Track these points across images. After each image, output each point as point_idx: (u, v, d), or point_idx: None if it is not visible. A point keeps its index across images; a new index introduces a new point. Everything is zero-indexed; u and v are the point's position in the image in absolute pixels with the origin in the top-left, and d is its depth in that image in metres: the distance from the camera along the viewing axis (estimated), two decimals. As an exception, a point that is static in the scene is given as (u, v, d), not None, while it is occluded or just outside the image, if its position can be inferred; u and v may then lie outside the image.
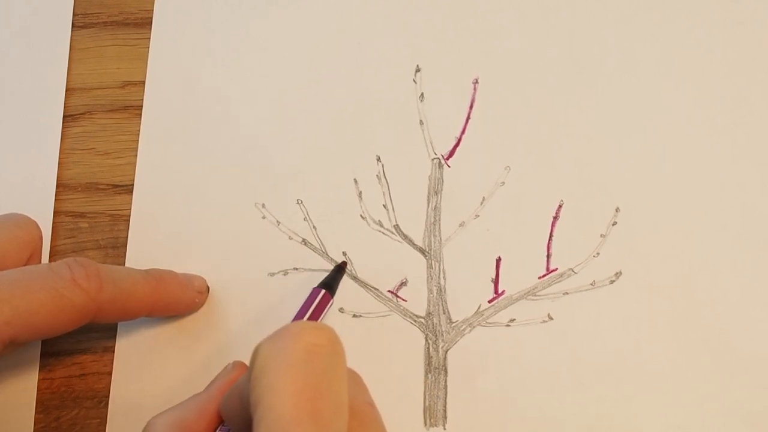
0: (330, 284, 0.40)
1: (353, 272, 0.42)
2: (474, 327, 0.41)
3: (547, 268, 0.42)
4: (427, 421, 0.40)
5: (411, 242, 0.43)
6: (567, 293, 0.42)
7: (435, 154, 0.44)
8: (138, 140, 0.44)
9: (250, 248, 0.42)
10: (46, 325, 0.35)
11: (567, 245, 0.42)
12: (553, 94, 0.45)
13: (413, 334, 0.41)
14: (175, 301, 0.39)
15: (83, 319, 0.36)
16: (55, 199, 0.43)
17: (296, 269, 0.42)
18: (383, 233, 0.43)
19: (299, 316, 0.39)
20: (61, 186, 0.44)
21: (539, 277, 0.42)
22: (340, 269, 0.41)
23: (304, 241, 0.43)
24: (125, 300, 0.37)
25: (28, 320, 0.34)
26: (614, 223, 0.42)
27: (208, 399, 0.34)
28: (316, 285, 0.40)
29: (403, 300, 0.42)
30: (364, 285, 0.42)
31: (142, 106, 0.45)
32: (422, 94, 0.45)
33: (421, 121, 0.44)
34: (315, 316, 0.39)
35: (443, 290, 0.42)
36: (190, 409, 0.34)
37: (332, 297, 0.40)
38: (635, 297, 0.41)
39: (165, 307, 0.39)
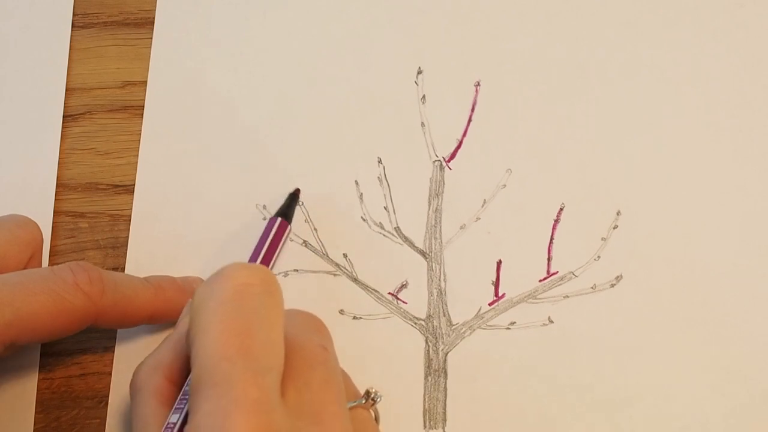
0: (285, 212, 0.41)
1: (354, 274, 0.42)
2: (474, 330, 0.41)
3: (548, 271, 0.42)
4: (427, 423, 0.40)
5: (412, 244, 0.43)
6: (567, 296, 0.42)
7: (436, 156, 0.44)
8: (138, 140, 0.44)
9: (250, 249, 0.42)
10: (47, 328, 0.35)
11: (568, 248, 0.42)
12: (555, 96, 0.45)
13: (413, 336, 0.41)
14: (176, 306, 0.39)
15: (84, 322, 0.36)
16: (55, 199, 0.43)
17: (297, 271, 0.42)
18: (384, 235, 0.43)
19: (259, 246, 0.40)
20: (61, 186, 0.44)
21: (540, 280, 0.42)
22: (294, 197, 0.42)
23: (305, 243, 0.43)
24: (126, 305, 0.37)
25: (30, 323, 0.34)
26: (615, 227, 0.42)
27: (179, 339, 0.34)
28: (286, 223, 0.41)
29: (403, 302, 0.42)
30: (365, 287, 0.42)
31: (142, 106, 0.45)
32: (424, 96, 0.45)
33: (422, 123, 0.44)
34: (274, 245, 0.40)
35: (444, 293, 0.42)
36: (165, 353, 0.34)
37: (289, 224, 0.41)
38: (636, 300, 0.41)
39: (166, 314, 0.39)
